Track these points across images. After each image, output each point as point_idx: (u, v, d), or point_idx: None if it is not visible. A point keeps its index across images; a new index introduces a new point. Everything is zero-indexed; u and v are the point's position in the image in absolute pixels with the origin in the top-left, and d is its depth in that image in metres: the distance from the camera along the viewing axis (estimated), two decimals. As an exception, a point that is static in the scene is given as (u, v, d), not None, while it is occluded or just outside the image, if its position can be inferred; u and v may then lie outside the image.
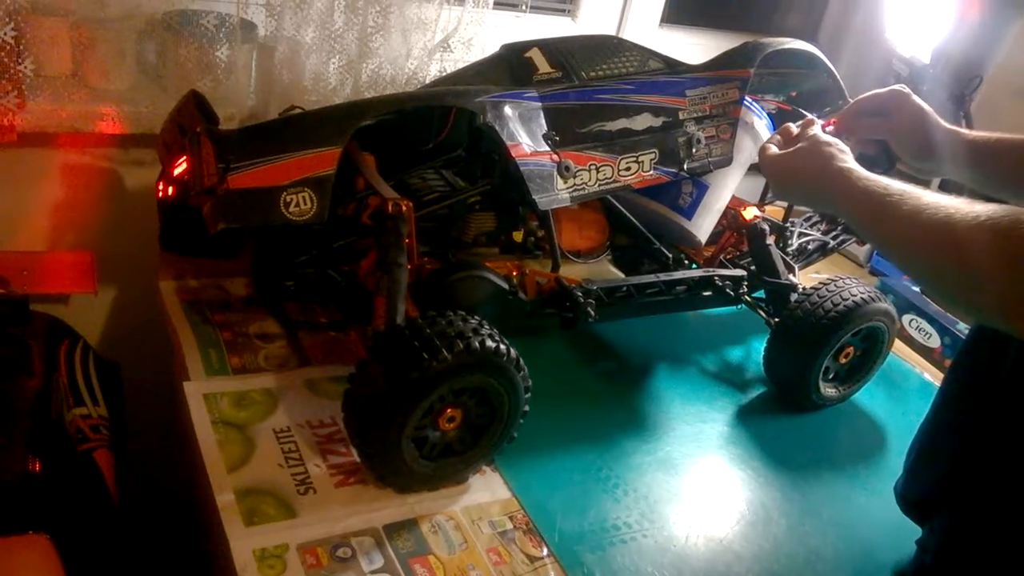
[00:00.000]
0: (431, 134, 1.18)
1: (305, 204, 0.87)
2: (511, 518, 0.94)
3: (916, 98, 1.07)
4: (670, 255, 1.25)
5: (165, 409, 1.21)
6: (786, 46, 1.28)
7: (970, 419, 0.77)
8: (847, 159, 0.85)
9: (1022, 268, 0.59)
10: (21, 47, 1.08)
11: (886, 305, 1.24)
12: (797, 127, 1.02)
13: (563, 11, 1.70)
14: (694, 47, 1.78)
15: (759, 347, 1.31)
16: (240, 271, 1.23)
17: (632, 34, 1.72)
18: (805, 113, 1.38)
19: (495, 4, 1.38)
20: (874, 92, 1.11)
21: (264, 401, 1.03)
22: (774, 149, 0.97)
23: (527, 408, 0.96)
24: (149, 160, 1.26)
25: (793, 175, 0.92)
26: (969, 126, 1.88)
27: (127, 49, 1.20)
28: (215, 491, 0.89)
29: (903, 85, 1.10)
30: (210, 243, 1.05)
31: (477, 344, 0.87)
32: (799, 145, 0.92)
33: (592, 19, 1.70)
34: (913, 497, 0.85)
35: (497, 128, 1.00)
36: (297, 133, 0.89)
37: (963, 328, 1.48)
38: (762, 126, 1.25)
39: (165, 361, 1.22)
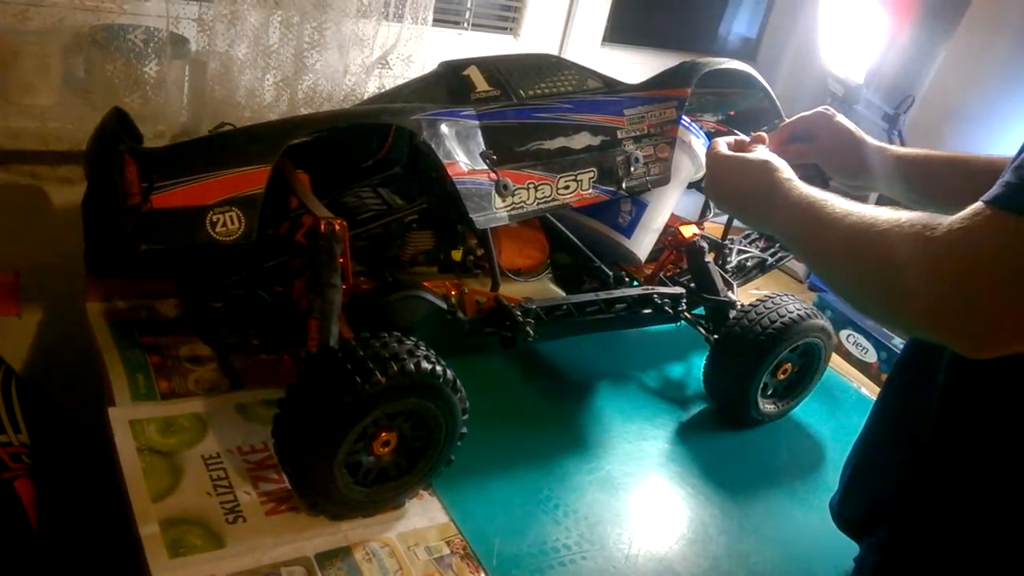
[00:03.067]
0: (371, 152, 1.16)
1: (233, 224, 0.85)
2: (448, 543, 0.93)
3: (841, 117, 1.09)
4: (610, 273, 1.25)
5: (94, 434, 1.16)
6: (723, 66, 1.29)
7: (904, 436, 0.78)
8: (792, 176, 0.85)
9: (942, 272, 0.59)
10: (-62, 61, 1.04)
11: (823, 321, 1.25)
12: (750, 142, 1.02)
13: (505, 29, 1.70)
14: (636, 66, 1.80)
15: (700, 364, 1.32)
16: (171, 292, 1.19)
17: (574, 53, 1.73)
18: (739, 133, 1.40)
19: (435, 21, 1.38)
20: (800, 116, 1.12)
21: (193, 427, 1.00)
22: (725, 148, 0.97)
23: (465, 431, 0.95)
24: (76, 177, 1.21)
25: (733, 179, 0.91)
26: (903, 146, 1.93)
27: (52, 64, 1.16)
28: (138, 522, 0.85)
29: (827, 107, 1.11)
30: (136, 265, 1.02)
31: (412, 366, 0.86)
32: (749, 155, 0.91)
33: (534, 37, 1.71)
34: (849, 514, 0.85)
35: (434, 146, 0.99)
36: (225, 151, 0.87)
37: (899, 343, 1.51)
38: (699, 145, 1.26)
39: (94, 385, 1.18)
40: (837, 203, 0.73)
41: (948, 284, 0.58)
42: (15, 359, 1.27)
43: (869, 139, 1.07)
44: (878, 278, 0.65)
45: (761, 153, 0.92)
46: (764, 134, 1.03)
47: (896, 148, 1.04)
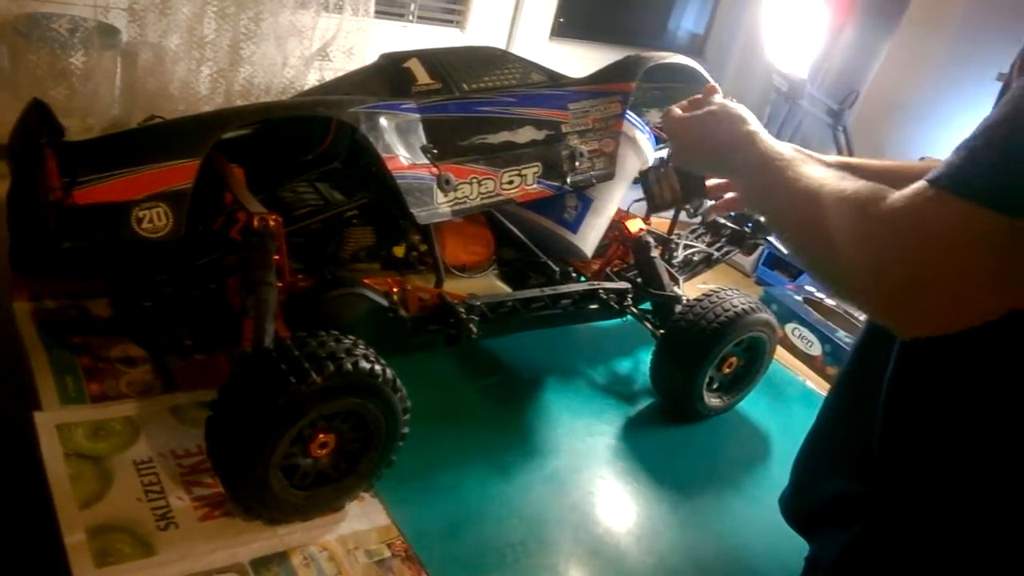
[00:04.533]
0: (311, 146, 1.14)
1: (159, 220, 0.82)
2: (389, 546, 0.91)
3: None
4: (557, 268, 1.24)
5: (19, 437, 1.12)
6: (668, 60, 1.29)
7: (854, 433, 0.77)
8: (754, 124, 0.83)
9: (880, 250, 0.58)
10: None
11: (767, 315, 1.26)
12: (700, 95, 0.99)
13: (451, 22, 1.68)
14: (584, 61, 1.79)
15: (646, 358, 1.32)
16: (103, 291, 1.15)
17: (522, 47, 1.72)
18: None
19: (379, 13, 1.36)
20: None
21: (124, 431, 0.96)
22: (680, 112, 0.93)
23: (407, 431, 0.93)
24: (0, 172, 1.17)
25: (701, 136, 0.88)
26: (848, 140, 1.96)
27: (-26, 53, 1.11)
28: (64, 530, 0.82)
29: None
30: (61, 263, 0.98)
31: (350, 365, 0.83)
32: (708, 108, 0.88)
33: (481, 31, 1.69)
34: (799, 512, 0.84)
35: (372, 140, 0.97)
36: (152, 144, 0.84)
37: (843, 336, 1.53)
38: (644, 140, 1.25)
39: (20, 386, 1.13)
40: (793, 164, 0.72)
41: (886, 262, 0.58)
42: (-62, 361, 1.21)
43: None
44: (820, 249, 0.65)
45: (719, 107, 0.89)
46: (715, 85, 1.00)
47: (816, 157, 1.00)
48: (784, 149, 0.76)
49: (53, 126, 0.87)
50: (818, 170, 0.69)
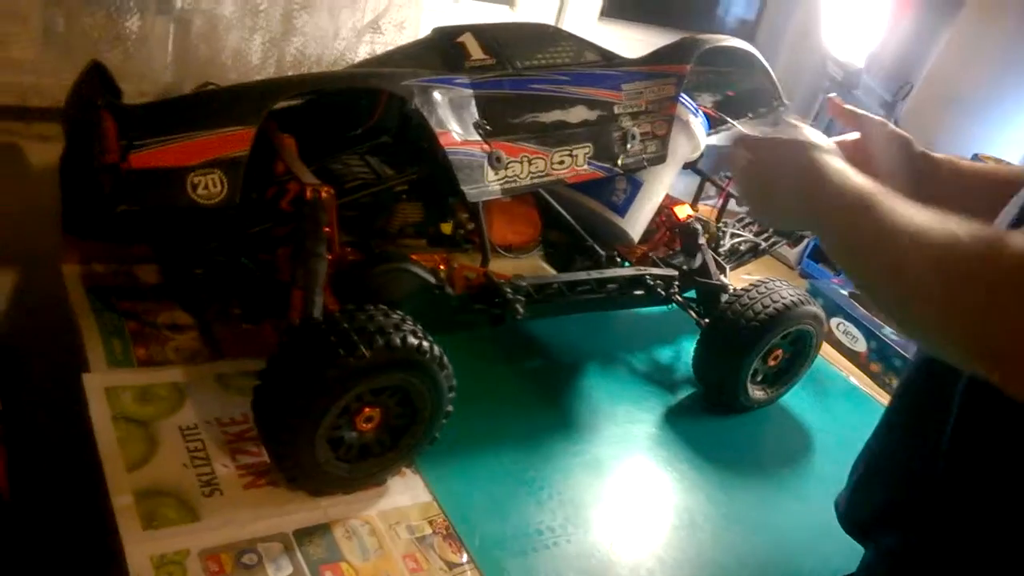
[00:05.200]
0: (361, 119, 1.13)
1: (214, 187, 0.82)
2: (430, 523, 0.90)
3: (895, 129, 0.90)
4: (603, 252, 1.23)
5: (68, 399, 1.13)
6: (725, 43, 1.26)
7: (918, 446, 0.75)
8: (826, 152, 0.71)
9: (1009, 301, 0.51)
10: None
11: (815, 309, 1.24)
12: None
13: (501, -1, 1.66)
14: (633, 42, 1.76)
15: (688, 347, 1.30)
16: (151, 257, 1.16)
17: (571, 26, 1.68)
18: (728, 119, 1.36)
19: (431, -13, 1.34)
20: (859, 115, 0.91)
21: (170, 396, 0.97)
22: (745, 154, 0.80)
23: (450, 408, 0.92)
24: (53, 135, 1.17)
25: (764, 184, 0.76)
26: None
27: (32, 16, 1.11)
28: (112, 492, 0.83)
29: (883, 119, 0.91)
30: (113, 226, 0.98)
31: (398, 340, 0.83)
32: (790, 137, 0.76)
33: (531, 9, 1.67)
34: (856, 516, 0.82)
35: (425, 114, 0.96)
36: (208, 110, 0.84)
37: (890, 333, 1.50)
38: (697, 124, 1.23)
39: (69, 350, 1.14)
40: (883, 203, 0.61)
41: (1014, 319, 0.51)
42: (-12, 321, 1.23)
43: (923, 152, 0.89)
44: (924, 302, 0.57)
45: (798, 131, 0.78)
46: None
47: (939, 158, 0.89)
48: (866, 182, 0.66)
49: (111, 88, 0.87)
50: (912, 209, 0.60)
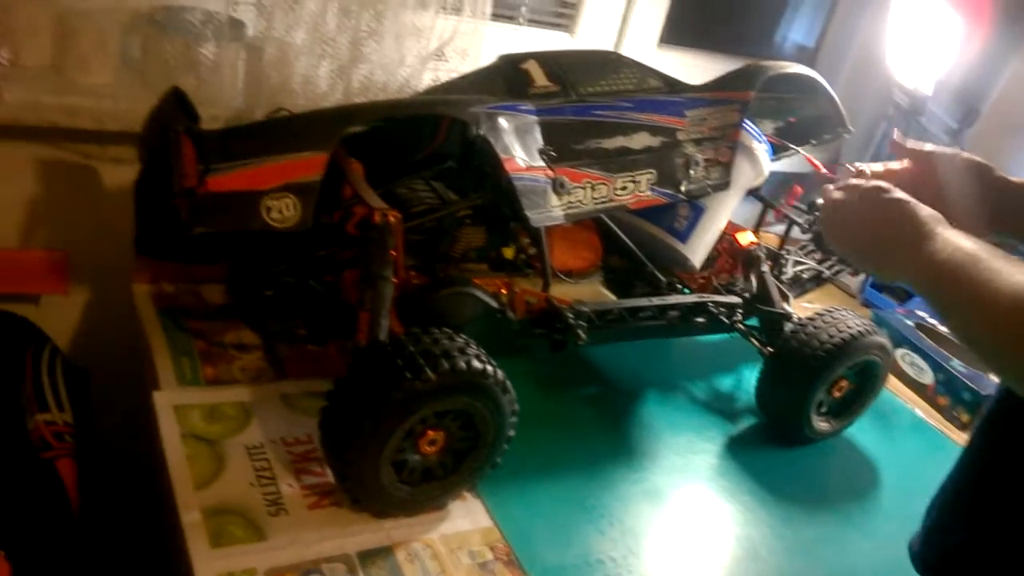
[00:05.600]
0: (422, 143, 1.14)
1: (288, 211, 0.83)
2: (491, 548, 0.90)
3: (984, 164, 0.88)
4: (663, 279, 1.22)
5: (135, 417, 1.16)
6: (789, 70, 1.25)
7: (1004, 483, 0.72)
8: (927, 212, 0.71)
9: None
10: (-2, 35, 1.04)
11: (882, 339, 1.21)
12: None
13: (561, 26, 1.67)
14: (692, 68, 1.75)
15: (749, 376, 1.28)
16: (218, 277, 1.18)
17: (630, 52, 1.69)
18: (790, 146, 1.34)
19: (492, 15, 1.35)
20: (932, 153, 0.90)
21: (237, 415, 0.98)
22: (835, 195, 0.81)
23: (512, 433, 0.92)
24: (128, 158, 1.21)
25: (857, 229, 0.77)
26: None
27: (110, 42, 1.15)
28: (181, 509, 0.84)
29: (970, 156, 0.90)
30: (187, 248, 1.01)
31: (463, 364, 0.83)
32: (863, 192, 0.76)
33: (590, 35, 1.68)
34: (930, 558, 0.79)
35: (491, 140, 0.97)
36: (283, 136, 0.85)
37: (958, 365, 1.46)
38: (761, 150, 1.22)
39: (137, 368, 1.17)
40: (988, 262, 0.62)
41: None
42: (61, 338, 1.27)
43: (1003, 177, 0.87)
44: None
45: (876, 186, 0.77)
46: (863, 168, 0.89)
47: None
48: (968, 242, 0.66)
49: (190, 114, 0.89)
50: (1016, 266, 0.60)
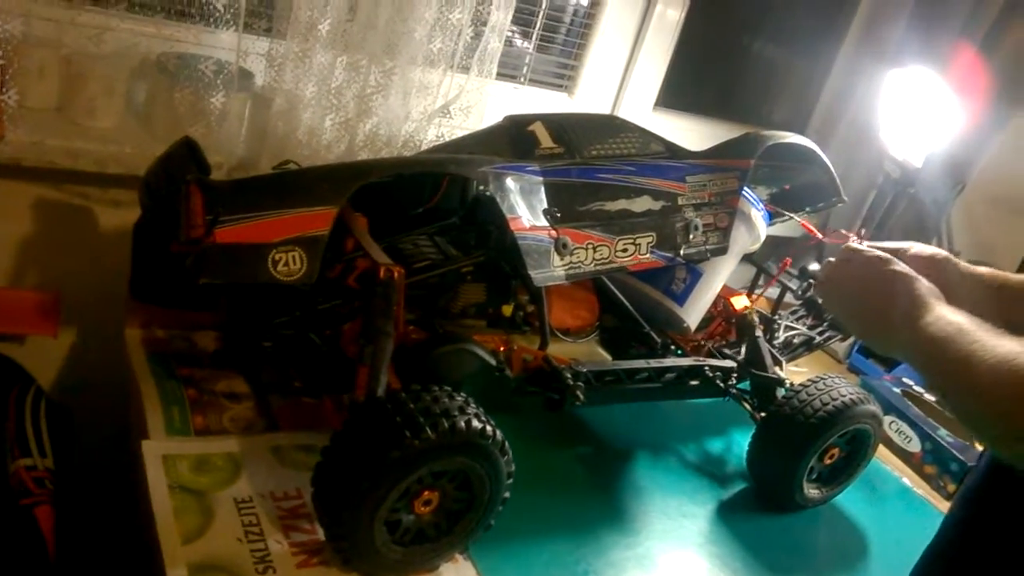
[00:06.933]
0: (423, 199, 1.15)
1: (294, 264, 0.83)
2: (483, 612, 0.88)
3: (939, 252, 0.93)
4: (659, 340, 1.22)
5: (120, 463, 1.13)
6: (787, 140, 1.28)
7: (981, 553, 0.73)
8: (922, 287, 0.74)
9: None
10: (7, 76, 1.04)
11: (873, 408, 1.21)
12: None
13: (560, 87, 1.70)
14: (686, 132, 1.79)
15: (740, 440, 1.28)
16: (210, 324, 1.17)
17: (627, 114, 1.72)
18: (785, 212, 1.37)
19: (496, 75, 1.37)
20: (915, 255, 0.93)
21: (226, 467, 0.96)
22: (834, 270, 0.85)
23: (508, 495, 0.91)
24: (127, 201, 1.21)
25: (855, 302, 0.80)
26: (949, 232, 1.91)
27: (117, 88, 1.16)
28: (167, 565, 0.82)
29: (917, 244, 0.95)
30: (182, 295, 1.00)
31: (463, 424, 0.82)
32: (861, 264, 0.79)
33: (588, 97, 1.71)
34: None
35: (498, 199, 0.98)
36: (293, 190, 0.86)
37: (945, 435, 1.46)
38: (759, 217, 1.24)
39: (123, 411, 1.15)
40: (977, 335, 0.65)
41: None
42: (46, 380, 1.25)
43: (959, 265, 0.92)
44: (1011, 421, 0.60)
45: (872, 258, 0.80)
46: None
47: (979, 270, 0.91)
48: (957, 316, 0.69)
49: (201, 164, 0.89)
50: (1004, 340, 0.63)
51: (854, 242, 0.95)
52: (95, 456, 1.20)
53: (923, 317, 0.71)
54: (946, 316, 0.70)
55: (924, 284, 0.75)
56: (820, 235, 1.32)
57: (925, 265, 0.90)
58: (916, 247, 0.94)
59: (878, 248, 0.91)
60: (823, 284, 0.86)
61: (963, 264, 0.91)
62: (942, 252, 0.93)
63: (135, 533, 0.99)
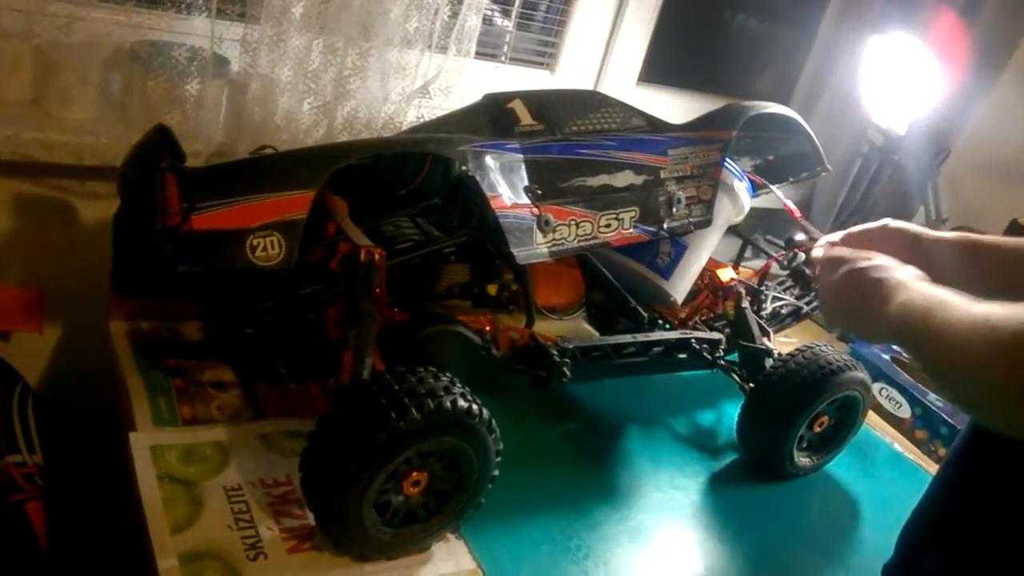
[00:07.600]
0: (405, 180, 1.14)
1: (273, 249, 0.83)
2: (475, 590, 0.89)
3: (909, 227, 0.95)
4: (646, 315, 1.22)
5: (111, 456, 1.13)
6: (769, 110, 1.27)
7: (968, 512, 0.74)
8: (893, 273, 0.76)
9: None
10: (-22, 69, 1.02)
11: (862, 374, 1.22)
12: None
13: (541, 64, 1.69)
14: (669, 107, 1.78)
15: (730, 411, 1.28)
16: (195, 314, 1.16)
17: (609, 90, 1.71)
18: (767, 184, 1.37)
19: (475, 54, 1.36)
20: (863, 229, 0.97)
21: (215, 456, 0.96)
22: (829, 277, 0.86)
23: (496, 473, 0.91)
24: (105, 193, 1.20)
25: (841, 302, 0.82)
26: (936, 198, 1.91)
27: (91, 78, 1.14)
28: (157, 555, 0.82)
29: (890, 221, 0.97)
30: (165, 286, 0.99)
31: (449, 404, 0.82)
32: (836, 269, 0.82)
33: (570, 74, 1.69)
34: None
35: (477, 178, 0.97)
36: (269, 174, 0.85)
37: (935, 400, 1.47)
38: (742, 188, 1.24)
39: (112, 406, 1.15)
40: (944, 305, 0.66)
41: None
42: (33, 376, 1.24)
43: (938, 235, 0.93)
44: (1001, 390, 0.61)
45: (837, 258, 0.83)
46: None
47: (964, 238, 0.92)
48: (934, 289, 0.70)
49: (176, 151, 0.88)
50: (972, 305, 0.64)
51: (825, 243, 0.97)
52: (85, 450, 1.20)
53: (898, 297, 0.72)
54: (921, 290, 0.71)
55: (905, 270, 0.76)
56: (798, 213, 1.32)
57: (900, 240, 0.93)
58: (892, 223, 0.96)
59: (856, 234, 0.96)
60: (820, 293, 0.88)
61: (934, 233, 0.92)
62: (912, 227, 0.95)
63: (127, 526, 0.99)
